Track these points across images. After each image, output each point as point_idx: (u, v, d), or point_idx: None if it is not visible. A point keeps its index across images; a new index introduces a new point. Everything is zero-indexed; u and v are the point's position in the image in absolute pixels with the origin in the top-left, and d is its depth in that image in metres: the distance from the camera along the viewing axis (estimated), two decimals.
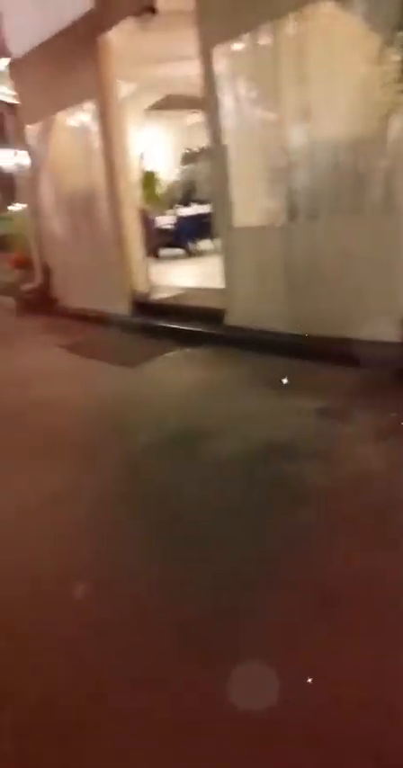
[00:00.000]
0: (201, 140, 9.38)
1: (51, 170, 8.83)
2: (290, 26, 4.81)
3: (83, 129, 7.69)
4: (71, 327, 7.76)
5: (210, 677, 1.91)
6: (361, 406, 3.90)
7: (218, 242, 6.57)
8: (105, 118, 7.14)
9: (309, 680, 1.82)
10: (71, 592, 2.43)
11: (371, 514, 2.71)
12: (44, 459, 3.85)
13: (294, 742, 1.66)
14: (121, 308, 7.45)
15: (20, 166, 9.78)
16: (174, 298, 7.37)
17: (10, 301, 9.83)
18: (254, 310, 5.65)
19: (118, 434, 4.16)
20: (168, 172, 12.70)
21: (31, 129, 8.88)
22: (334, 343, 4.72)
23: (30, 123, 8.83)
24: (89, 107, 7.36)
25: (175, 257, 11.22)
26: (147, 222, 8.90)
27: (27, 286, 9.69)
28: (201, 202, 10.83)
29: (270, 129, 5.31)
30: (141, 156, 10.83)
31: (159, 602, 2.33)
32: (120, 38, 6.71)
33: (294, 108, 5.00)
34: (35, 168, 9.16)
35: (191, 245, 11.20)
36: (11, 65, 8.63)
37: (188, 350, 5.88)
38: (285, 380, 4.52)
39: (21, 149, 9.39)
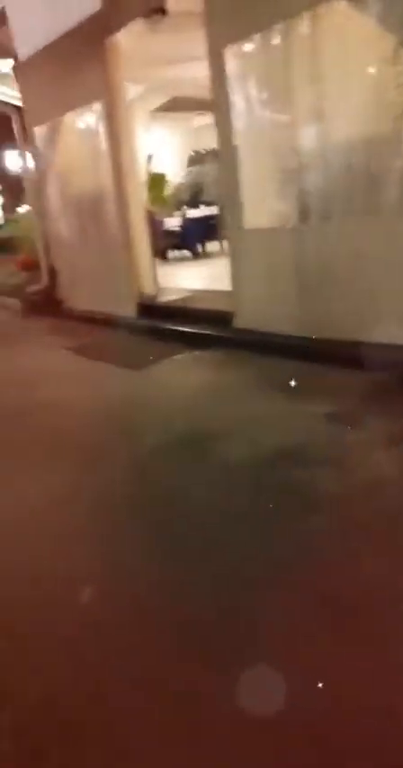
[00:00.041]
0: (209, 142, 9.49)
1: (58, 172, 8.91)
2: (302, 26, 4.82)
3: (90, 131, 7.74)
4: (77, 329, 7.81)
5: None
6: (372, 410, 3.88)
7: (226, 244, 6.61)
8: (113, 119, 7.19)
9: (320, 684, 1.84)
10: (77, 593, 2.46)
11: (383, 521, 2.70)
12: (49, 461, 3.89)
13: (294, 742, 1.68)
14: (128, 310, 7.50)
15: (26, 168, 9.89)
16: (182, 300, 7.40)
17: (16, 303, 9.93)
18: (263, 313, 5.66)
19: (125, 436, 4.18)
20: (175, 174, 12.80)
21: (38, 131, 8.96)
22: (345, 347, 4.72)
23: (36, 125, 8.92)
24: (96, 109, 7.42)
25: (183, 259, 11.28)
26: (154, 224, 8.96)
27: (33, 288, 9.79)
28: (208, 204, 10.92)
29: (281, 130, 5.33)
30: (149, 159, 10.92)
31: (161, 603, 2.35)
32: (129, 39, 6.76)
33: (306, 108, 5.01)
34: (42, 170, 9.24)
35: (198, 247, 11.27)
36: (17, 66, 8.73)
37: (196, 353, 5.90)
38: (293, 383, 4.53)
39: (27, 151, 9.51)
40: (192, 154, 12.75)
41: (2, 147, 18.53)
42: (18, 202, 14.90)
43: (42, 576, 2.65)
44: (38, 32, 7.86)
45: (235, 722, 1.77)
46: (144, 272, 7.68)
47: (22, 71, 8.68)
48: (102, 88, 7.10)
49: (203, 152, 11.95)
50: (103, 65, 6.96)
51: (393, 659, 1.92)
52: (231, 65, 5.50)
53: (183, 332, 6.45)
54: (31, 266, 10.46)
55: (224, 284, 6.25)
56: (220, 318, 6.15)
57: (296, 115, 5.16)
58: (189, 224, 11.02)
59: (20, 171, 11.62)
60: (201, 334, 6.23)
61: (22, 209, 13.90)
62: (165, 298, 7.60)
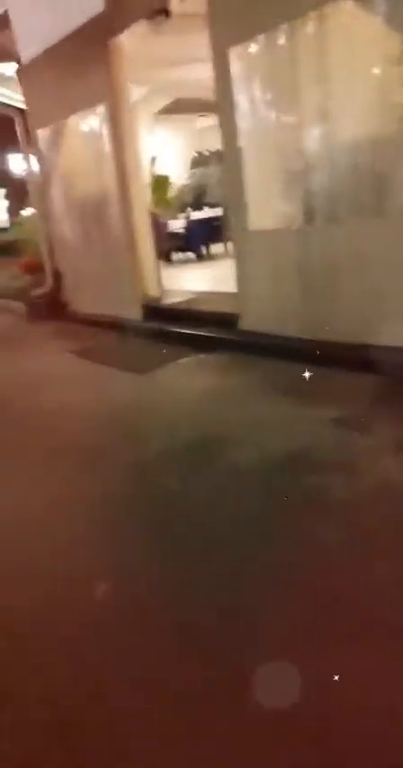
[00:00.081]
0: (212, 144, 9.57)
1: (62, 174, 8.97)
2: (307, 26, 4.85)
3: (94, 133, 7.80)
4: (82, 333, 7.87)
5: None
6: (379, 414, 3.88)
7: (231, 245, 6.64)
8: (116, 122, 7.25)
9: (336, 677, 1.85)
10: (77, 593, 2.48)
11: (391, 526, 2.70)
12: (53, 463, 3.93)
13: (294, 742, 1.70)
14: (133, 312, 7.54)
15: (30, 171, 9.98)
16: (187, 302, 7.43)
17: (21, 306, 10.01)
18: (268, 315, 5.69)
19: (130, 440, 4.20)
20: (178, 175, 12.88)
21: (42, 134, 9.04)
22: (351, 349, 4.73)
23: (40, 128, 9.00)
24: (100, 111, 7.48)
25: (187, 261, 11.34)
26: (158, 226, 9.02)
27: (37, 291, 9.85)
28: (211, 206, 11.00)
29: (286, 131, 5.35)
30: (153, 161, 11.01)
31: (163, 603, 2.38)
32: (132, 41, 6.82)
33: (312, 109, 5.04)
34: (45, 173, 9.33)
35: (202, 249, 11.34)
36: (20, 69, 8.81)
37: (201, 356, 5.93)
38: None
39: (31, 154, 9.60)
40: (196, 156, 12.83)
41: (6, 151, 18.71)
42: (22, 205, 15.02)
43: (42, 576, 2.69)
44: (41, 35, 7.93)
45: (235, 722, 1.79)
46: (148, 274, 7.73)
47: (25, 74, 8.76)
48: (105, 90, 7.16)
49: (207, 154, 12.03)
50: (107, 67, 7.03)
51: (394, 659, 1.94)
52: (235, 66, 5.53)
53: (187, 335, 6.48)
54: (35, 269, 10.53)
55: (228, 286, 6.28)
56: (226, 321, 6.17)
57: (301, 116, 5.18)
58: (193, 226, 11.09)
59: (24, 174, 11.72)
60: (207, 336, 6.26)
61: (26, 211, 13.99)
62: (170, 300, 7.64)
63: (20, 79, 8.92)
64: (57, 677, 2.09)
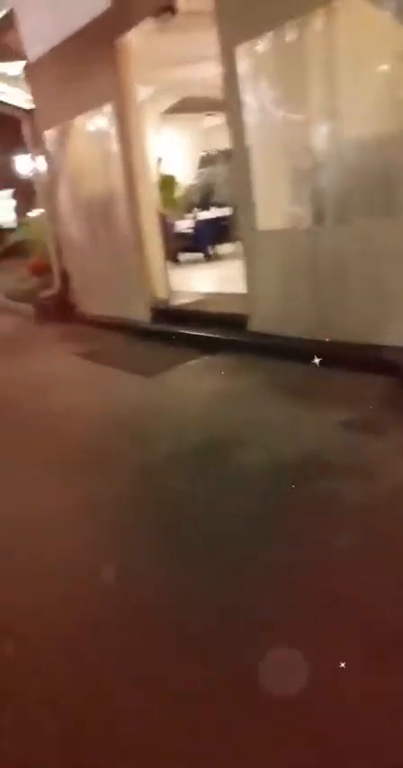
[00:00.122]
0: (219, 143, 9.59)
1: (69, 175, 9.04)
2: (315, 23, 4.85)
3: (101, 133, 7.86)
4: (89, 334, 7.93)
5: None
6: (390, 415, 3.88)
7: (239, 246, 6.66)
8: (123, 121, 7.29)
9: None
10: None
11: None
12: (60, 466, 3.97)
13: (294, 742, 1.72)
14: (141, 314, 7.58)
15: (37, 172, 10.08)
16: (195, 303, 7.46)
17: (28, 308, 10.10)
18: (278, 316, 5.69)
19: (137, 443, 4.23)
20: (185, 175, 12.92)
21: (49, 135, 9.11)
22: (361, 350, 4.73)
23: (47, 128, 9.07)
24: (107, 111, 7.53)
25: (195, 262, 11.38)
26: (165, 226, 9.06)
27: (45, 293, 9.93)
28: (219, 206, 11.02)
29: (295, 130, 5.37)
30: (159, 161, 11.06)
31: (166, 604, 2.41)
32: (139, 40, 6.86)
33: (320, 107, 5.04)
34: (53, 173, 9.39)
35: (210, 249, 11.38)
36: (27, 69, 8.87)
37: (209, 357, 5.95)
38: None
39: (38, 154, 9.69)
40: (203, 155, 12.87)
41: (13, 151, 18.90)
42: (29, 206, 15.14)
43: (43, 576, 2.72)
44: (47, 34, 7.97)
45: (235, 722, 1.81)
46: (156, 275, 7.76)
47: (32, 73, 8.85)
48: (112, 90, 7.20)
49: (214, 153, 12.06)
50: (114, 66, 7.07)
51: (394, 660, 1.95)
52: (243, 64, 5.54)
53: (196, 336, 6.50)
54: (43, 270, 10.61)
55: (237, 287, 6.29)
56: (235, 322, 6.18)
57: (309, 114, 5.19)
58: (201, 226, 11.12)
59: (31, 174, 11.83)
60: (215, 338, 6.28)
61: (34, 212, 14.11)
62: (178, 301, 7.66)
63: (27, 79, 8.97)
64: (57, 677, 2.12)
